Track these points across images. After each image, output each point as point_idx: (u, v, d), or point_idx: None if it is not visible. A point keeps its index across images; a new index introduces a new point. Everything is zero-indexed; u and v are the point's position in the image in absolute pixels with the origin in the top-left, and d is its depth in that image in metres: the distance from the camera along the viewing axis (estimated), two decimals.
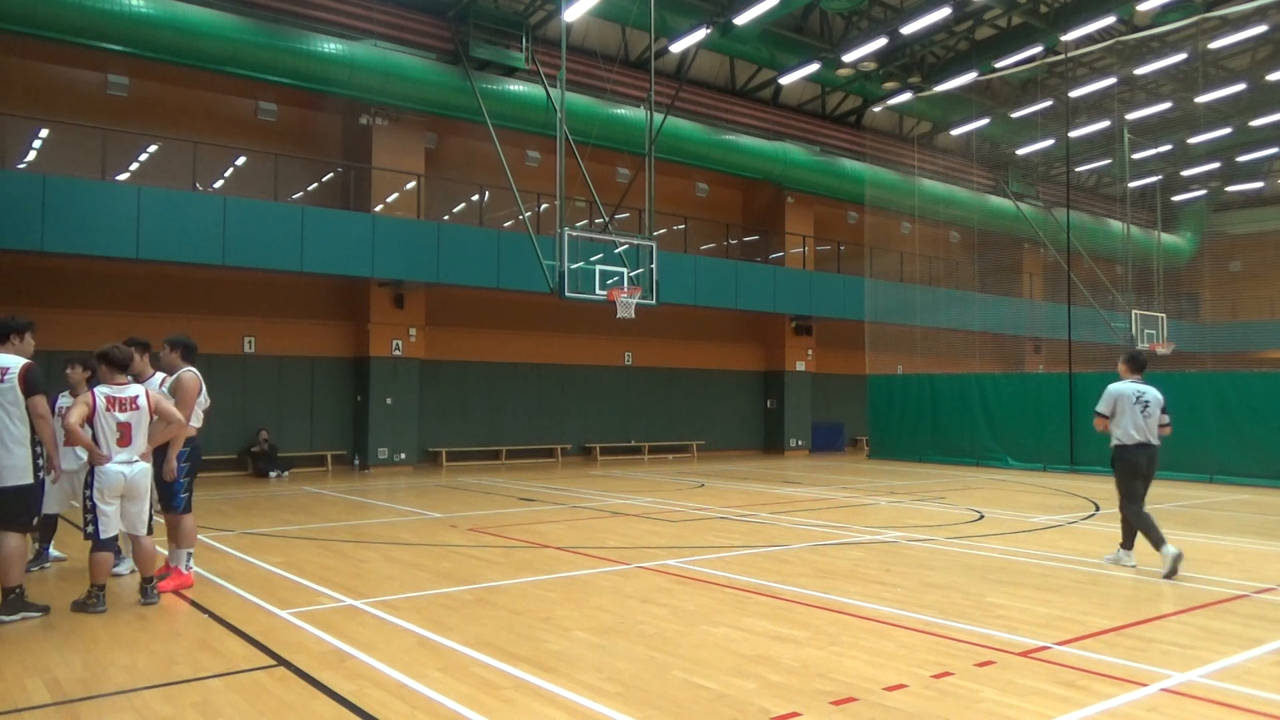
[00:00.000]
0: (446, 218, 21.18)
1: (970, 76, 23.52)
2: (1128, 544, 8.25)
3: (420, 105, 19.03)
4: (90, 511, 6.24)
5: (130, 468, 6.34)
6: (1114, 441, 8.22)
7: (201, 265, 16.43)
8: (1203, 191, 36.36)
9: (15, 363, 6.04)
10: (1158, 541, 7.80)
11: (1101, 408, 8.30)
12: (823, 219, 27.13)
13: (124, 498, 6.35)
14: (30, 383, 6.01)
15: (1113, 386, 8.31)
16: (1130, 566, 8.16)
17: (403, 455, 19.34)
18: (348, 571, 7.78)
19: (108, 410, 6.28)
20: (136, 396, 6.43)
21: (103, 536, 6.25)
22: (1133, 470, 8.11)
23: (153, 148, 17.82)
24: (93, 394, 6.30)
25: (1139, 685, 4.65)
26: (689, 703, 4.41)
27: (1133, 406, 8.15)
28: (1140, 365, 8.42)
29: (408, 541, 9.45)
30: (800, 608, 6.40)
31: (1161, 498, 14.04)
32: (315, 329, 19.35)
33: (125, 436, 6.32)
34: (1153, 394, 8.21)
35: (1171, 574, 7.64)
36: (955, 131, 27.46)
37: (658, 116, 18.37)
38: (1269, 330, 32.94)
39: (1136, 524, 8.03)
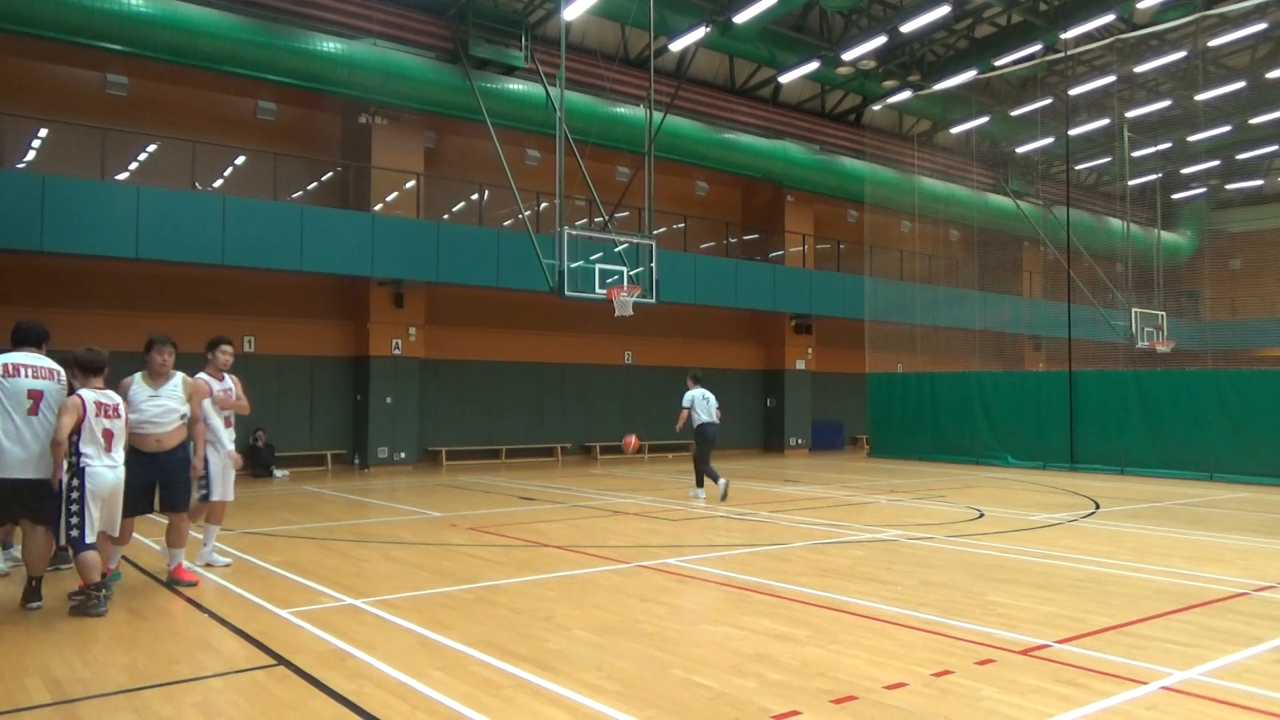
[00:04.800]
0: (446, 217, 21.18)
1: (970, 75, 23.51)
2: (699, 484, 13.33)
3: (420, 104, 19.02)
4: (78, 515, 6.13)
5: (118, 470, 6.33)
6: (696, 423, 13.18)
7: (201, 265, 16.43)
8: (1202, 189, 36.35)
9: (60, 367, 6.42)
10: (715, 477, 12.83)
11: (686, 404, 13.28)
12: (822, 217, 27.12)
13: (108, 499, 6.30)
14: (71, 386, 6.41)
15: (691, 392, 13.35)
16: (700, 499, 13.04)
17: (403, 454, 19.34)
18: (348, 571, 7.78)
19: (97, 416, 6.22)
20: (117, 405, 6.43)
21: (88, 540, 6.15)
22: (706, 438, 13.22)
23: (152, 147, 17.81)
24: (81, 399, 6.21)
25: (1139, 683, 4.65)
26: (689, 701, 4.41)
27: (703, 401, 13.25)
28: (698, 379, 13.54)
29: (408, 541, 9.45)
30: (800, 606, 6.40)
31: (1162, 495, 14.05)
32: (315, 328, 19.35)
33: (109, 443, 6.29)
34: (710, 395, 13.40)
35: (695, 495, 13.18)
36: (955, 130, 27.46)
37: (657, 115, 18.36)
38: (1269, 328, 32.94)
39: (705, 471, 13.08)
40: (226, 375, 7.98)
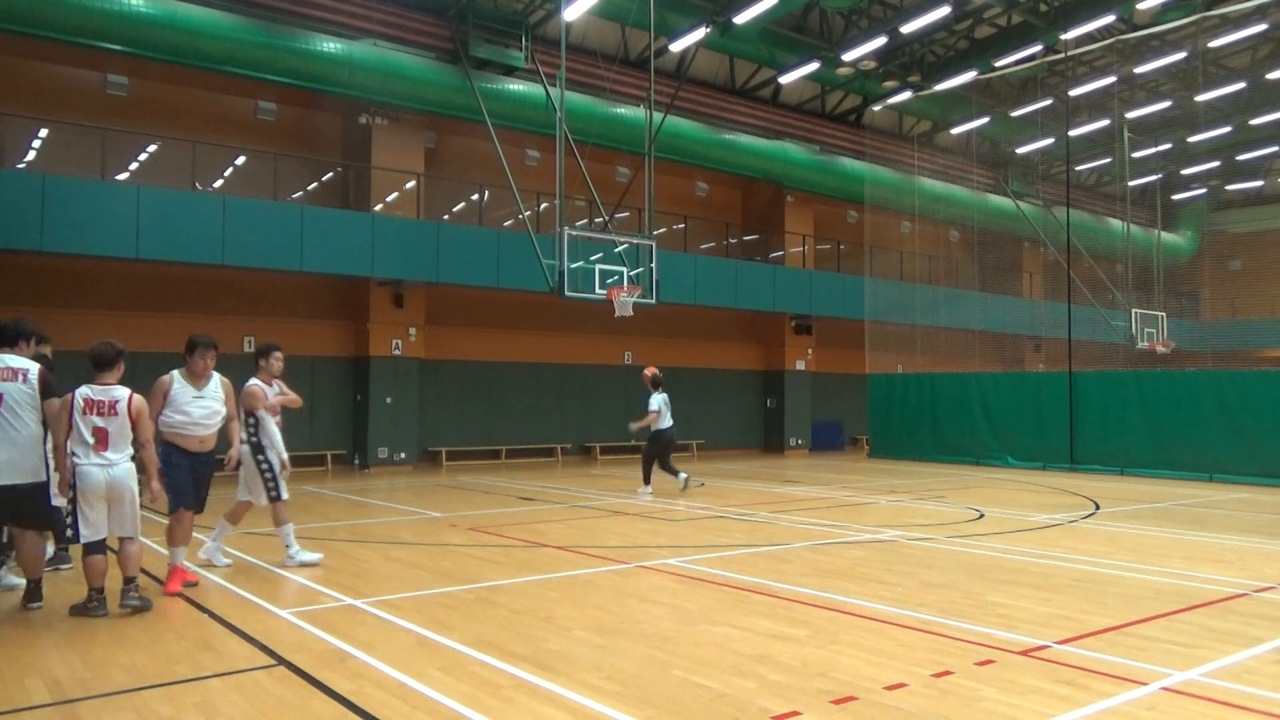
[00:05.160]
0: (446, 217, 21.18)
1: (970, 75, 23.51)
2: (647, 481, 14.16)
3: (420, 105, 19.02)
4: (71, 515, 6.08)
5: (112, 469, 6.10)
6: (658, 427, 13.91)
7: (201, 265, 16.43)
8: (1203, 190, 36.35)
9: (32, 365, 6.21)
10: (646, 474, 14.19)
11: (654, 407, 13.89)
12: (822, 218, 27.12)
13: (110, 500, 6.13)
14: (48, 385, 6.17)
15: (658, 397, 13.94)
16: (648, 493, 13.79)
17: (403, 455, 19.33)
18: (348, 571, 7.78)
19: (84, 414, 6.08)
20: (117, 401, 6.15)
21: (84, 539, 6.07)
22: (666, 442, 14.04)
23: (152, 147, 17.81)
24: (71, 395, 6.12)
25: (1139, 684, 4.65)
26: (689, 702, 4.41)
27: (666, 406, 13.96)
28: (658, 384, 14.22)
29: (408, 541, 9.45)
30: (800, 607, 6.40)
31: (1161, 496, 14.05)
32: (315, 329, 19.35)
33: (102, 441, 6.10)
34: (661, 399, 13.92)
35: (684, 487, 13.91)
36: (955, 130, 27.45)
37: (657, 116, 18.36)
38: (1269, 329, 32.93)
39: (649, 470, 14.16)
40: (275, 380, 8.22)
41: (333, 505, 12.77)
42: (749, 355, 26.39)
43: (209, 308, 17.68)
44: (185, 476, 6.89)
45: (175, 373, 6.97)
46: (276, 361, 8.21)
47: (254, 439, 7.89)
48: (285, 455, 8.12)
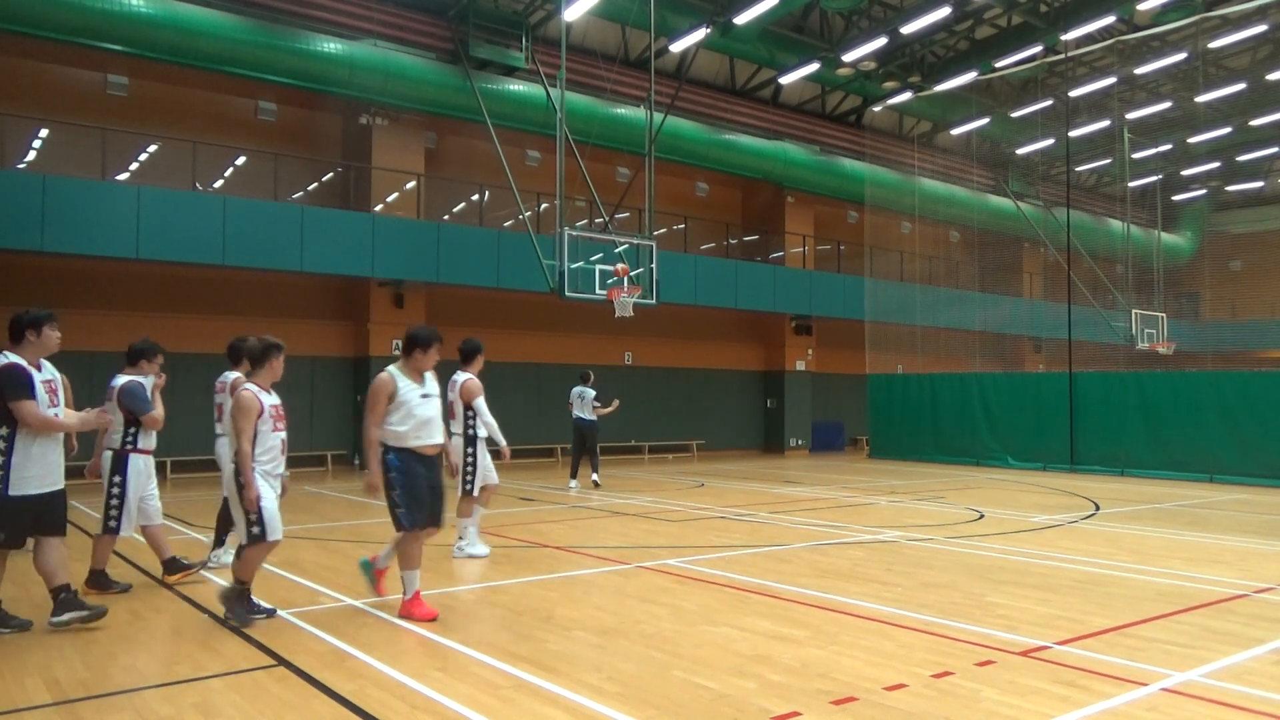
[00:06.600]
0: (446, 217, 21.19)
1: (970, 76, 23.52)
2: (574, 474, 15.15)
3: (420, 105, 19.03)
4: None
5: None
6: (575, 415, 14.93)
7: (201, 265, 16.44)
8: (1203, 191, 36.37)
9: None
10: (574, 474, 15.13)
11: (571, 400, 15.04)
12: (823, 218, 27.13)
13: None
14: (11, 383, 5.38)
15: (575, 389, 15.04)
16: (595, 486, 14.94)
17: None
18: (348, 571, 7.77)
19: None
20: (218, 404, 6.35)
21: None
22: (577, 432, 14.95)
23: (152, 148, 17.82)
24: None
25: (1139, 685, 4.65)
26: (689, 702, 4.41)
27: (579, 399, 14.90)
28: (585, 379, 15.19)
29: None
30: (800, 607, 6.40)
31: (1162, 497, 14.05)
32: (315, 329, 19.35)
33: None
34: (588, 390, 15.03)
35: (570, 488, 14.62)
36: (955, 131, 27.46)
37: (658, 116, 18.36)
38: (1269, 329, 32.94)
39: (576, 462, 15.15)
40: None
41: (333, 506, 12.76)
42: (749, 355, 26.39)
43: (209, 308, 17.69)
44: (423, 487, 6.01)
45: (393, 369, 6.09)
46: (483, 359, 8.57)
47: (470, 431, 8.21)
48: (504, 443, 8.47)
